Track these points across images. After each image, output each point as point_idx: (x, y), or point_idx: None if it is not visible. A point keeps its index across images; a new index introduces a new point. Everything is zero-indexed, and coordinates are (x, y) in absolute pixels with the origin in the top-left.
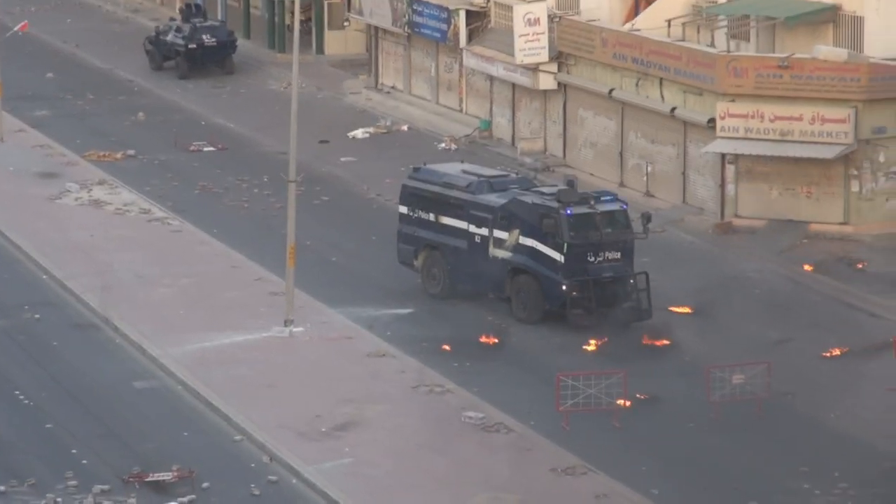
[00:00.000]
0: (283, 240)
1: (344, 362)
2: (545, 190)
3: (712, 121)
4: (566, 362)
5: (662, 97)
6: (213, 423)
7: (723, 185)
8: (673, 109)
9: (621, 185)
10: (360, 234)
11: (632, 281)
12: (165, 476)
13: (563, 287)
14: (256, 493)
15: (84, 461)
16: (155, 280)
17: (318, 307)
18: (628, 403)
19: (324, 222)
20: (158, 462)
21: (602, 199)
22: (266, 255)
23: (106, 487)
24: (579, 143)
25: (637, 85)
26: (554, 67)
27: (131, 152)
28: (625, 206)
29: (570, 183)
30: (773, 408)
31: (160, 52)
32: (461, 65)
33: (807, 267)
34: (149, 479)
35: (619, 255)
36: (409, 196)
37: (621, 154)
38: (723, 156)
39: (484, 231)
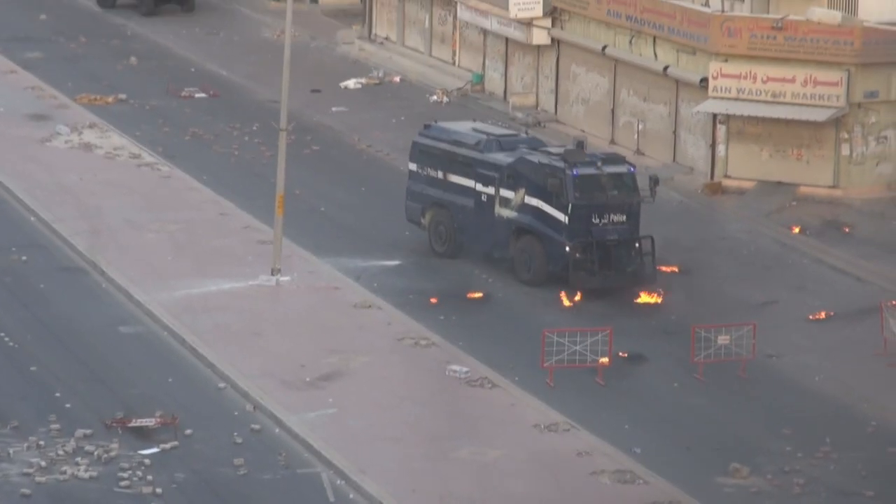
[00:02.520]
0: (272, 188)
1: (330, 313)
2: (553, 150)
3: (705, 80)
4: (552, 319)
5: (655, 55)
6: (197, 369)
7: (713, 146)
8: (666, 68)
9: (612, 142)
10: (350, 184)
11: (637, 244)
12: (148, 422)
13: (567, 248)
14: (239, 441)
15: (68, 405)
16: (143, 225)
17: (305, 257)
18: (609, 362)
19: (313, 172)
20: (142, 407)
21: (610, 160)
22: (255, 203)
23: (89, 432)
24: (571, 99)
25: (630, 42)
26: (548, 22)
27: (123, 96)
28: (632, 169)
29: (580, 143)
30: (758, 369)
31: None
32: (455, 17)
33: (795, 229)
34: (132, 424)
35: (624, 217)
36: (418, 153)
37: (613, 111)
38: (714, 116)
39: (491, 190)
